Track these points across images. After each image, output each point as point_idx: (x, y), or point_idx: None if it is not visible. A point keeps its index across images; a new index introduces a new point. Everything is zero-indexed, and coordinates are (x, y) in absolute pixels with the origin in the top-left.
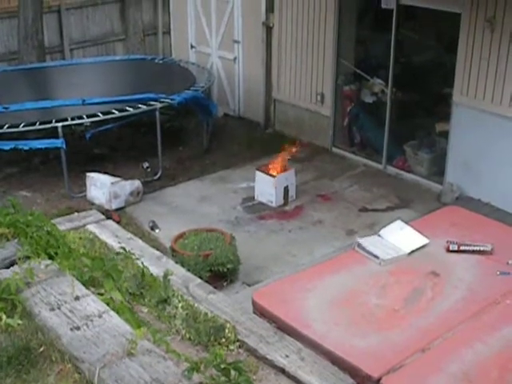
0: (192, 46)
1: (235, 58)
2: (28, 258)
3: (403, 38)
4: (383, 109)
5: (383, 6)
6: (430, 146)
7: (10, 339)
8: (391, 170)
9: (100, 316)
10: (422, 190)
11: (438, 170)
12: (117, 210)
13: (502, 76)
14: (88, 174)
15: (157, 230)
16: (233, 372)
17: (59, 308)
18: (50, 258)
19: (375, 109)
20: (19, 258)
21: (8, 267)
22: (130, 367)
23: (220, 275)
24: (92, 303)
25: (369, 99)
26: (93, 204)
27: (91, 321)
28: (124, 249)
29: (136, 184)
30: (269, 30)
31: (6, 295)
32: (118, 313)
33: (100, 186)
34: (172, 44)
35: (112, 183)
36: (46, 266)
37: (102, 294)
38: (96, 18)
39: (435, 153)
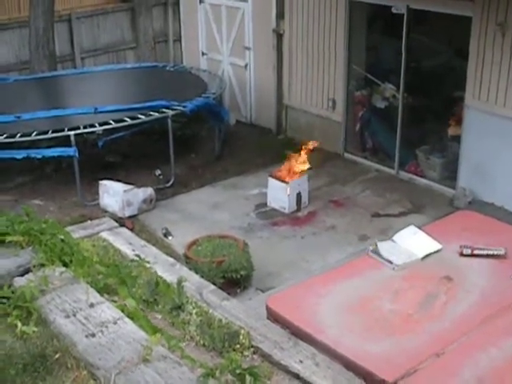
0: (203, 53)
1: (246, 65)
2: (42, 265)
3: (414, 43)
4: (395, 114)
5: (394, 10)
6: (442, 151)
7: (25, 346)
8: (403, 174)
9: (115, 323)
10: (434, 195)
11: (450, 175)
12: (130, 217)
13: None
14: (101, 181)
15: (170, 237)
16: (248, 377)
17: (74, 315)
18: (65, 265)
19: (387, 114)
20: (34, 266)
21: (23, 275)
22: (146, 373)
23: (233, 282)
24: (107, 310)
25: (380, 104)
26: (106, 212)
27: (106, 327)
28: (138, 256)
29: (149, 191)
30: (279, 36)
31: (22, 303)
32: (132, 319)
33: (113, 194)
34: (183, 51)
35: (125, 191)
36: (61, 273)
37: (115, 301)
38: (107, 27)
39: (447, 157)
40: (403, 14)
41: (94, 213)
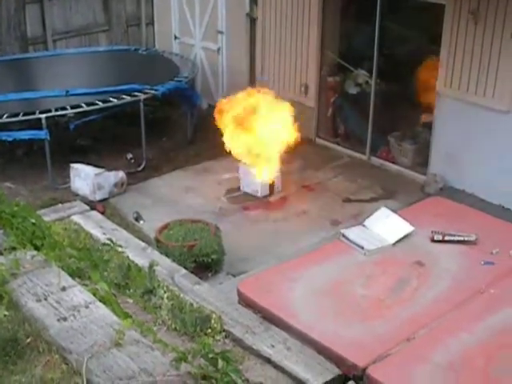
0: (176, 37)
1: (219, 49)
2: (14, 248)
3: (387, 29)
4: (367, 100)
5: None
6: (414, 137)
7: None
8: (375, 160)
9: (87, 307)
10: (406, 181)
11: (421, 161)
12: (101, 201)
13: (485, 68)
14: (72, 165)
15: (141, 221)
16: (220, 362)
17: (46, 299)
18: (36, 248)
19: (359, 100)
20: (5, 249)
21: None
22: (118, 357)
23: (205, 266)
24: (79, 294)
25: (353, 90)
26: (77, 195)
27: (78, 311)
28: (110, 240)
29: (120, 175)
30: (253, 21)
31: None
32: (104, 304)
33: (84, 177)
34: (155, 35)
35: (96, 174)
36: (32, 256)
37: (87, 285)
38: (79, 9)
39: (419, 144)
40: (377, 1)
41: (65, 196)
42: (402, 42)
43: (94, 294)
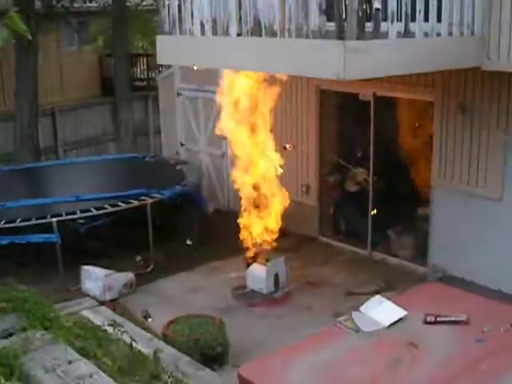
0: (182, 144)
1: (223, 154)
2: (25, 329)
3: (381, 128)
4: (366, 197)
5: (361, 98)
6: (413, 230)
7: None
8: (376, 255)
9: (91, 376)
10: (406, 273)
11: (421, 253)
12: (111, 301)
13: (475, 158)
14: (83, 267)
15: (149, 319)
16: None
17: (53, 370)
18: (45, 329)
19: (359, 197)
20: (17, 330)
21: (6, 337)
22: None
23: (211, 358)
24: (83, 366)
25: (352, 188)
26: (88, 296)
27: (83, 380)
28: (114, 321)
29: (129, 276)
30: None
31: (5, 361)
32: (109, 376)
33: (94, 279)
34: (162, 142)
35: (106, 275)
36: (42, 335)
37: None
38: (89, 120)
39: (418, 236)
40: (370, 101)
41: (77, 297)
42: (395, 140)
43: (99, 367)
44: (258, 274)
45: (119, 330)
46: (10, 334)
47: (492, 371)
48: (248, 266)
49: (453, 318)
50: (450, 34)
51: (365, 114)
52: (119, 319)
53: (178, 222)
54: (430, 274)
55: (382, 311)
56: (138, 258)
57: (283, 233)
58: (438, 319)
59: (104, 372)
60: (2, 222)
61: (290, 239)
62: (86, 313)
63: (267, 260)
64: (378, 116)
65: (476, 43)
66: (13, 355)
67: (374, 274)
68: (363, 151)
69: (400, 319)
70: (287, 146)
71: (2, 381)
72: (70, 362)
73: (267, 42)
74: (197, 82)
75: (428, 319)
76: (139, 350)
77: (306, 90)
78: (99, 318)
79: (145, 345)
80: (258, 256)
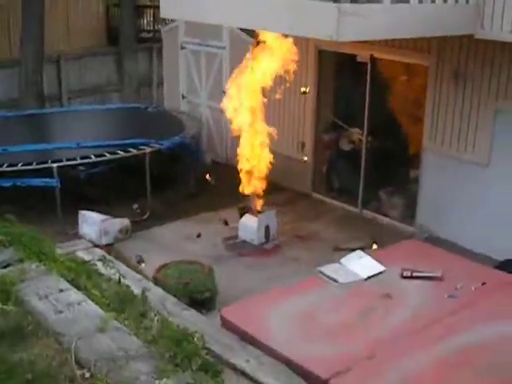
0: (183, 96)
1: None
2: (21, 260)
3: (377, 89)
4: (360, 156)
5: (358, 59)
6: (404, 192)
7: (4, 321)
8: (367, 213)
9: (79, 304)
10: (394, 232)
11: (410, 213)
12: (106, 245)
13: (465, 124)
14: (80, 211)
15: (142, 264)
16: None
17: (46, 297)
18: (40, 261)
19: (352, 156)
20: (14, 261)
21: (4, 268)
22: (101, 339)
23: (199, 303)
24: (74, 294)
25: (346, 147)
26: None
27: (72, 307)
28: (104, 256)
29: (125, 222)
30: None
31: (2, 287)
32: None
33: (91, 223)
34: (165, 94)
35: (102, 220)
36: (37, 266)
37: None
38: (94, 69)
39: (408, 197)
40: (367, 63)
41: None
42: (390, 101)
43: (88, 297)
44: (250, 225)
45: (108, 266)
46: (8, 265)
47: (460, 324)
48: (241, 217)
49: (428, 274)
50: (445, 0)
51: (362, 76)
52: (111, 259)
53: (175, 172)
54: (417, 234)
55: (361, 265)
56: (135, 205)
57: (278, 188)
58: (414, 274)
59: (92, 301)
60: (5, 166)
61: (283, 194)
62: (80, 253)
63: (259, 212)
64: (374, 78)
65: (470, 11)
66: (9, 282)
67: (362, 232)
68: (359, 111)
69: (378, 273)
70: (306, 90)
71: (0, 305)
72: (61, 291)
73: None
74: (200, 37)
75: (404, 274)
76: (128, 287)
77: (306, 50)
78: (93, 257)
79: (134, 285)
80: (251, 208)
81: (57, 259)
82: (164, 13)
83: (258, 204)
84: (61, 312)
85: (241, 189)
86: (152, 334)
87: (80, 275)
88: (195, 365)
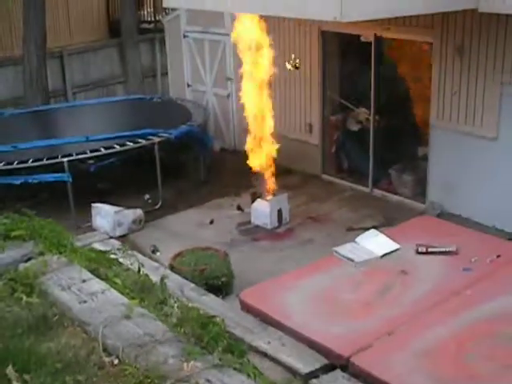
0: (188, 85)
1: (229, 95)
2: (42, 253)
3: (383, 69)
4: (368, 136)
5: (362, 39)
6: (413, 169)
7: (29, 313)
8: (377, 192)
9: (103, 292)
10: (406, 210)
11: (421, 191)
12: (120, 237)
13: (472, 99)
14: (93, 204)
15: (157, 253)
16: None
17: (69, 288)
18: (60, 253)
19: (360, 136)
20: (35, 254)
21: (26, 261)
22: (127, 326)
23: (216, 288)
24: (96, 284)
25: (354, 127)
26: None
27: (96, 296)
28: (124, 245)
29: (138, 212)
30: None
31: (26, 281)
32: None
33: (104, 215)
34: (169, 83)
35: (115, 212)
36: (58, 258)
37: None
38: (97, 62)
39: (418, 175)
40: (371, 42)
41: None
42: (397, 80)
43: (110, 286)
44: (262, 210)
45: (127, 253)
46: (29, 259)
47: (478, 296)
48: (253, 202)
49: (443, 249)
50: None
51: (366, 55)
52: (128, 250)
53: (185, 161)
54: (428, 211)
55: (376, 243)
56: (147, 196)
57: (287, 171)
58: (429, 250)
59: (114, 288)
60: (15, 163)
61: (293, 177)
62: (96, 245)
63: (272, 195)
64: (379, 57)
65: None
66: (32, 276)
67: (374, 211)
68: (365, 91)
69: (393, 251)
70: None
71: (24, 297)
72: (83, 281)
73: None
74: (202, 25)
75: (419, 250)
76: (147, 276)
77: (309, 31)
78: (109, 248)
79: (152, 273)
80: (262, 192)
81: (77, 250)
82: (166, 2)
83: (270, 188)
84: (85, 301)
85: (250, 174)
86: (177, 318)
87: (101, 265)
88: (221, 346)
